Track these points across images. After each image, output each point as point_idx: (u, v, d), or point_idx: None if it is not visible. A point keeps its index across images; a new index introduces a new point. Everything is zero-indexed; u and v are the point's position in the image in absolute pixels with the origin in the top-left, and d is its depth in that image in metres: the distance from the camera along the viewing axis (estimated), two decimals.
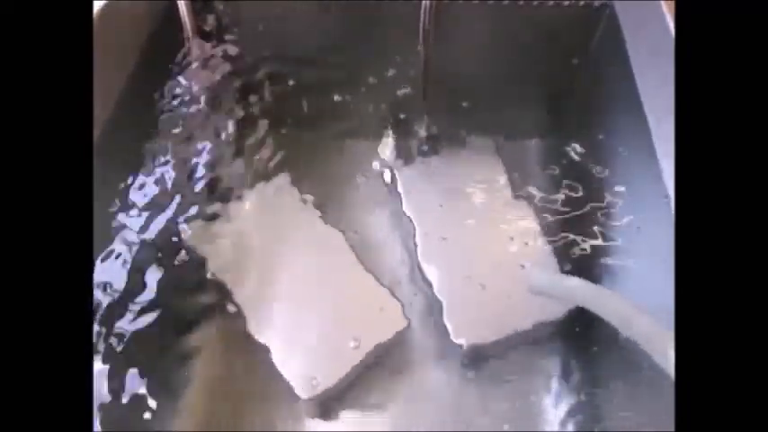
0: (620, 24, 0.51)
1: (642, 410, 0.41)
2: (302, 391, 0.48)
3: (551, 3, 0.55)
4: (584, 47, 0.57)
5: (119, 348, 0.46)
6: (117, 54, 0.51)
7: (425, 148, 0.65)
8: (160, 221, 0.54)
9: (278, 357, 0.50)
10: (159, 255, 0.52)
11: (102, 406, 0.44)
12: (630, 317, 0.37)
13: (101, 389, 0.44)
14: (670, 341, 0.34)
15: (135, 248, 0.51)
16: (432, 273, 0.54)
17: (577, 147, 0.61)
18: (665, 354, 0.34)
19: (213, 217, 0.58)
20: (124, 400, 0.45)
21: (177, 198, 0.56)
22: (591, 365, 0.50)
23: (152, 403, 0.47)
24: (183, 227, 0.56)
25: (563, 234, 0.53)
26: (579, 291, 0.44)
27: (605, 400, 0.46)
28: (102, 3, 0.49)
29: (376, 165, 0.65)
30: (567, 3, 0.55)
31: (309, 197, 0.59)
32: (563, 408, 0.50)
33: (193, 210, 0.58)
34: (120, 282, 0.48)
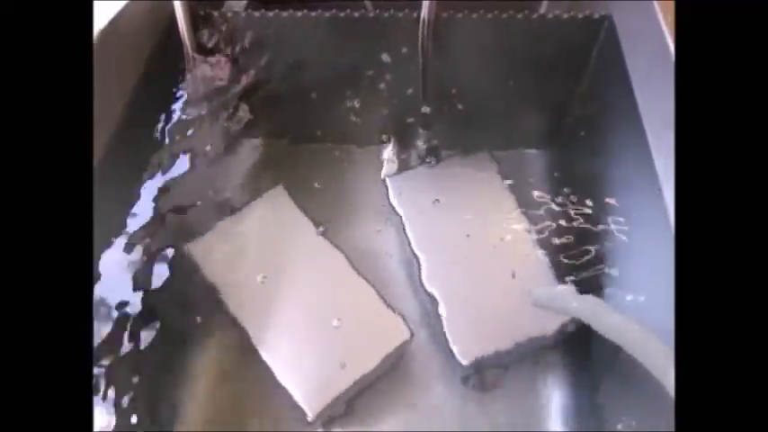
0: (618, 37, 0.51)
1: (642, 423, 0.41)
2: (306, 407, 0.48)
3: (550, 16, 0.56)
4: (584, 59, 0.57)
5: (118, 364, 0.46)
6: (118, 72, 0.52)
7: (425, 160, 0.65)
8: (160, 236, 0.54)
9: (280, 373, 0.50)
10: (159, 270, 0.52)
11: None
12: (630, 332, 0.37)
13: (99, 405, 0.44)
14: (670, 358, 0.34)
15: (134, 264, 0.51)
16: (432, 285, 0.54)
17: (576, 159, 0.61)
18: (664, 370, 0.33)
19: (213, 231, 0.58)
20: (125, 415, 0.45)
21: (177, 213, 0.56)
22: (591, 378, 0.50)
23: (152, 421, 0.47)
24: (183, 241, 0.57)
25: (562, 246, 0.53)
26: (579, 305, 0.44)
27: (606, 411, 0.46)
28: (104, 20, 0.49)
29: (375, 176, 0.65)
30: (566, 15, 0.55)
31: (308, 209, 0.60)
32: (563, 419, 0.50)
33: (193, 224, 0.58)
34: (119, 297, 0.48)
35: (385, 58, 0.59)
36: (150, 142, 0.56)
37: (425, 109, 0.61)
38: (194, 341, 0.56)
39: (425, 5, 0.51)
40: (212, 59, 0.59)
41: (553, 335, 0.50)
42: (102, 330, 0.46)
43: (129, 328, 0.48)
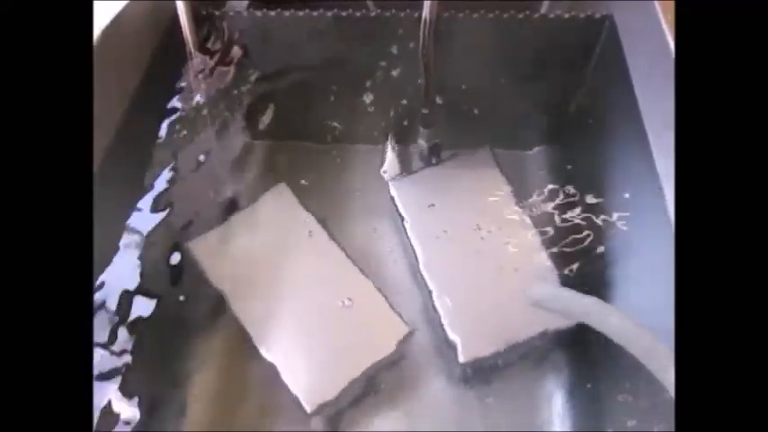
0: (619, 37, 0.51)
1: (642, 423, 0.41)
2: (306, 404, 0.48)
3: (552, 15, 0.55)
4: (585, 59, 0.57)
5: (120, 364, 0.46)
6: (119, 72, 0.52)
7: (426, 159, 0.65)
8: (163, 235, 0.54)
9: (282, 371, 0.50)
10: (161, 269, 0.53)
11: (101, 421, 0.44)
12: (630, 332, 0.37)
13: (100, 404, 0.44)
14: (670, 358, 0.33)
15: (135, 264, 0.51)
16: (433, 284, 0.54)
17: (577, 158, 0.61)
18: (664, 370, 0.33)
19: (215, 230, 0.58)
20: (124, 417, 0.45)
21: (179, 212, 0.56)
22: (592, 377, 0.50)
23: (153, 420, 0.48)
24: (184, 240, 0.57)
25: (563, 246, 0.53)
26: (579, 304, 0.43)
27: (606, 411, 0.46)
28: (105, 20, 0.49)
29: (376, 175, 0.65)
30: (567, 15, 0.55)
31: (310, 208, 0.60)
32: (563, 419, 0.50)
33: (195, 223, 0.58)
34: (119, 297, 0.48)
35: (386, 57, 0.60)
36: (151, 142, 0.56)
37: (427, 108, 0.61)
38: (196, 340, 0.56)
39: (427, 5, 0.51)
40: (214, 59, 0.59)
41: (553, 334, 0.50)
42: (102, 330, 0.46)
43: (129, 328, 0.48)
